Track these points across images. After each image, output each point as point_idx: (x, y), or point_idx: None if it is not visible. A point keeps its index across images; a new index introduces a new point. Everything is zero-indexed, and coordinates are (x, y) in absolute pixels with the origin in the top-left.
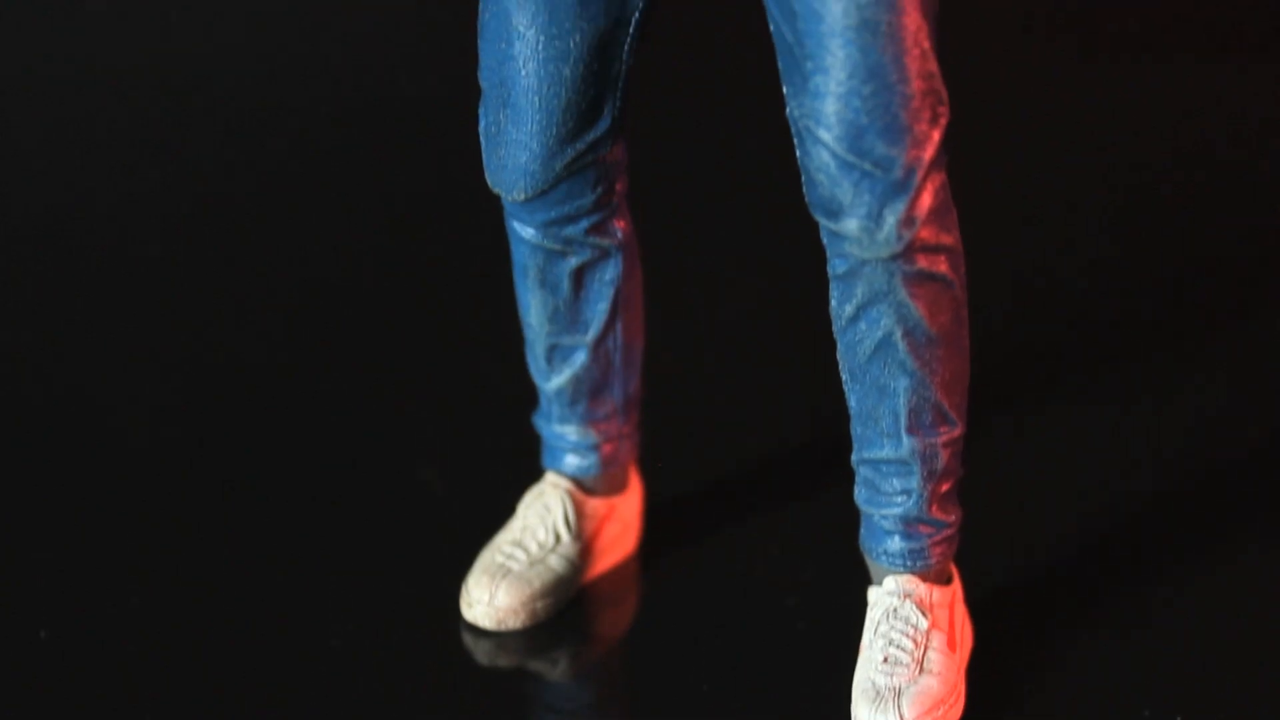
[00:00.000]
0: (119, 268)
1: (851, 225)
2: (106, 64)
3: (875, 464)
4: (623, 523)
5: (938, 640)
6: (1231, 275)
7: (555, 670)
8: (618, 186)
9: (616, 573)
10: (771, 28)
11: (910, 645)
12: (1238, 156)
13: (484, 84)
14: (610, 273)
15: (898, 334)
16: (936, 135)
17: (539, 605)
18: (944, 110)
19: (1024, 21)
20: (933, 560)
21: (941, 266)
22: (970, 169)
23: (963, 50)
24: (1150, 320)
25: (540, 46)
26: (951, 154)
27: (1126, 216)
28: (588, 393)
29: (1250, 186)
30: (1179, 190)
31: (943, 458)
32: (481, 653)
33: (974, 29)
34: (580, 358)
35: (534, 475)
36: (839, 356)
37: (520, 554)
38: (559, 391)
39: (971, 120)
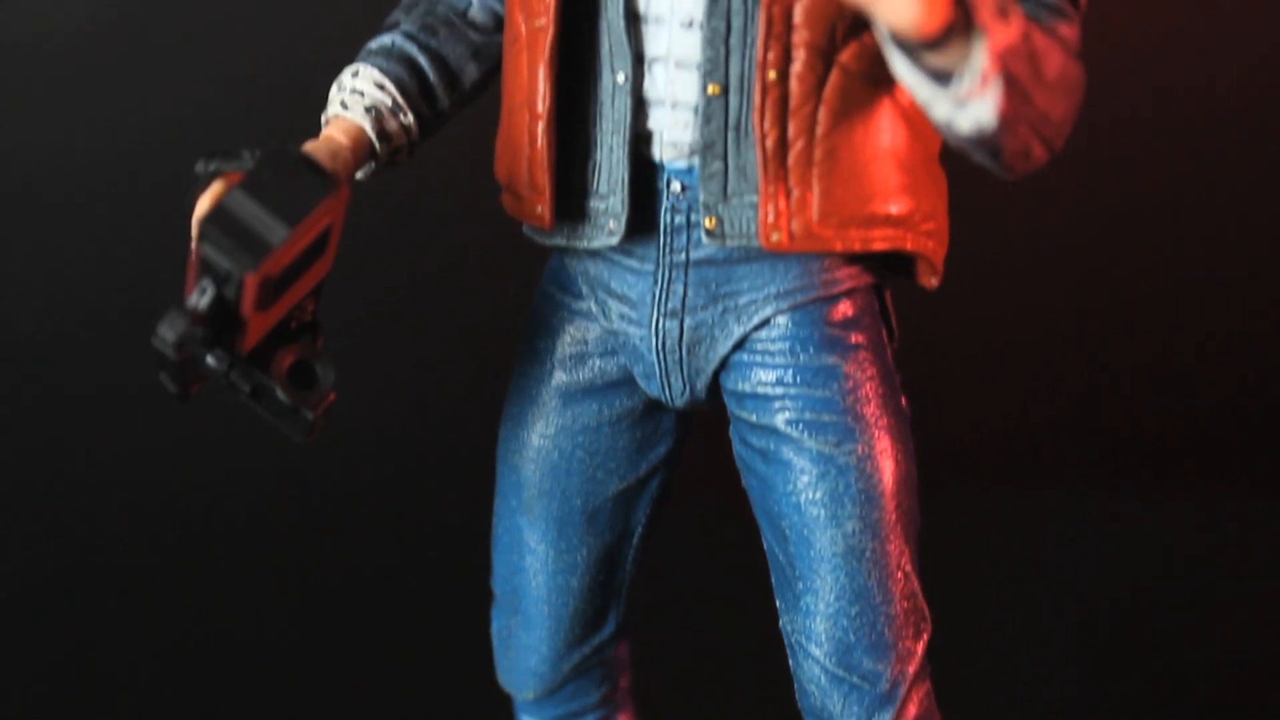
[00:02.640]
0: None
1: None
2: None
3: None
4: None
5: None
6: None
7: None
8: (621, 683)
9: None
10: (765, 547)
11: None
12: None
13: (496, 590)
14: None
15: None
16: (920, 649)
17: None
18: (926, 626)
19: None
20: None
21: None
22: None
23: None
24: None
25: (550, 560)
26: (935, 661)
27: (1096, 656)
28: None
29: (1231, 614)
30: (1150, 624)
31: None
32: None
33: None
34: None
35: None
36: None
37: None
38: None
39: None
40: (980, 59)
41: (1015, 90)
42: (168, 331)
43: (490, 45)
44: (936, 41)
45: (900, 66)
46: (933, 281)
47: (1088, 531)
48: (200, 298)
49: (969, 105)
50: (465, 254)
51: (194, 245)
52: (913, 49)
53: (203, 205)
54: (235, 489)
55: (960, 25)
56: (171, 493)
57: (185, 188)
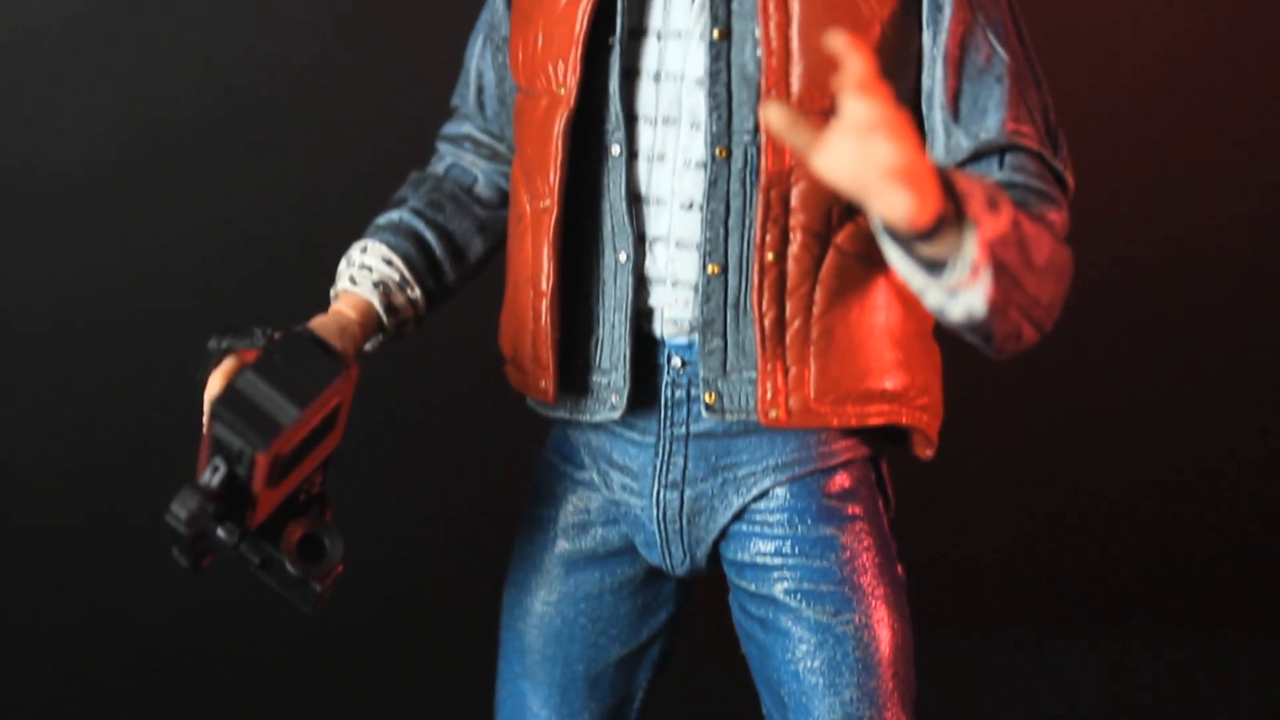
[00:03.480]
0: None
1: None
2: None
3: None
4: None
5: None
6: None
7: None
8: None
9: None
10: (765, 713)
11: None
12: None
13: None
14: None
15: None
16: None
17: None
18: None
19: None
20: None
21: None
22: None
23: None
24: None
25: None
26: None
27: None
28: None
29: None
30: None
31: None
32: None
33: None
34: None
35: None
36: None
37: None
38: None
39: None
40: (971, 250)
41: (1005, 277)
42: (180, 509)
43: (496, 220)
44: (928, 233)
45: (894, 256)
46: (928, 453)
47: (1075, 680)
48: (212, 475)
49: (960, 294)
50: (469, 422)
51: (206, 424)
52: (905, 240)
53: (215, 383)
54: (233, 661)
55: (951, 217)
56: (168, 629)
57: (198, 364)
